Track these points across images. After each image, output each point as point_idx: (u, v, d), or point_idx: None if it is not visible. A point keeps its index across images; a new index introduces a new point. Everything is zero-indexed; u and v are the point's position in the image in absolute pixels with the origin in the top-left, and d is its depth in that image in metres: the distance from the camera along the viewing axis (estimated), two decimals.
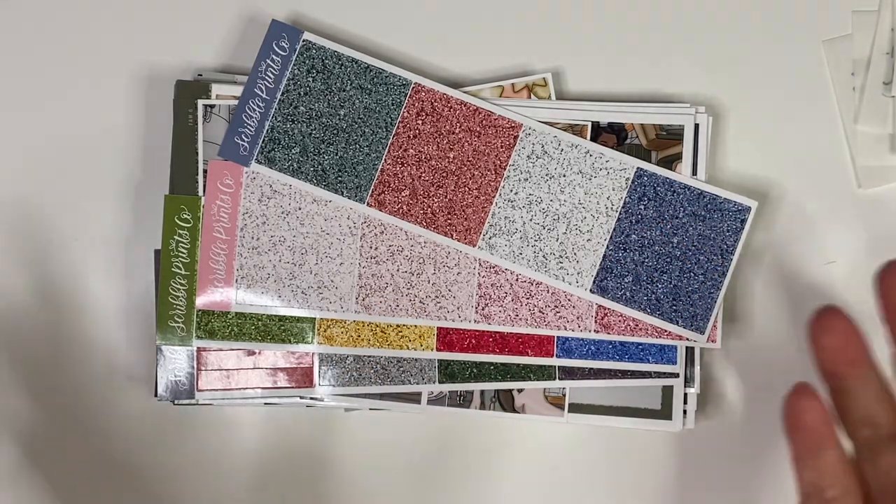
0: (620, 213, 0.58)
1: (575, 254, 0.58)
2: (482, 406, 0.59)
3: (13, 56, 0.61)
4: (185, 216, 0.58)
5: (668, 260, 0.57)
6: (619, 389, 0.58)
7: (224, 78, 0.60)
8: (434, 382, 0.59)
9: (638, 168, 0.58)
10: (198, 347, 0.58)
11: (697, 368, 0.58)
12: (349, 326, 0.58)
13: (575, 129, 0.58)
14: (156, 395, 0.59)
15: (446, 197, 0.58)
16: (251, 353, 0.59)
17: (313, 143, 0.58)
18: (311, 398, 0.59)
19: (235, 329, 0.58)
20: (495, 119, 0.58)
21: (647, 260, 0.57)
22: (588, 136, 0.58)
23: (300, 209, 0.58)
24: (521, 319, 0.58)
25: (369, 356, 0.59)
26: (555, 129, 0.58)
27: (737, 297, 0.60)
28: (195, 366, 0.59)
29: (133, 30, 0.61)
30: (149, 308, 0.60)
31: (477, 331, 0.58)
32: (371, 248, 0.58)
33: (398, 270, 0.58)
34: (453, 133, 0.58)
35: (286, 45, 0.58)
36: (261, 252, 0.58)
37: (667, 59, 0.60)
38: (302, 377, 0.59)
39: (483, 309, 0.58)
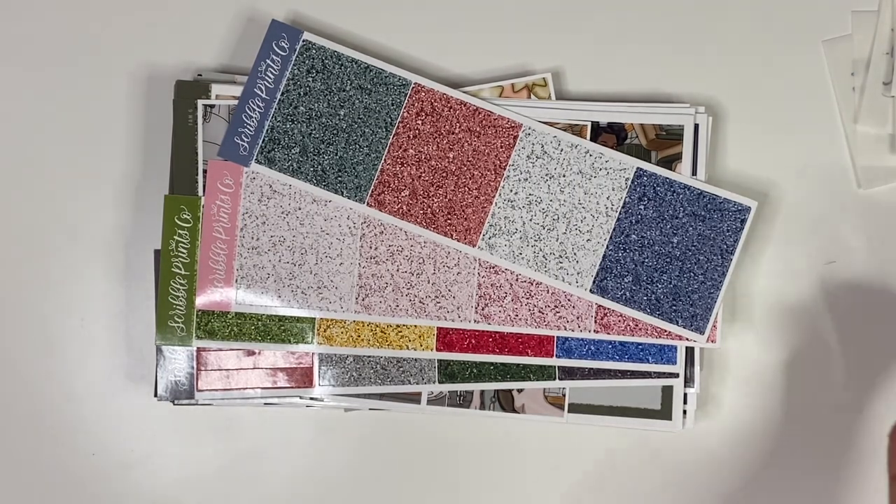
0: (620, 213, 0.58)
1: (575, 254, 0.58)
2: (482, 406, 0.59)
3: (13, 56, 0.61)
4: (185, 216, 0.58)
5: (668, 260, 0.57)
6: (619, 389, 0.58)
7: (224, 78, 0.60)
8: (434, 382, 0.59)
9: (638, 168, 0.58)
10: (198, 348, 0.58)
11: (697, 368, 0.58)
12: (349, 326, 0.58)
13: (575, 129, 0.58)
14: (156, 395, 0.59)
15: (446, 197, 0.58)
16: (251, 353, 0.59)
17: (313, 143, 0.58)
18: (311, 398, 0.59)
19: (235, 329, 0.58)
20: (495, 119, 0.58)
21: (646, 260, 0.57)
22: (588, 136, 0.58)
23: (300, 209, 0.58)
24: (521, 319, 0.58)
25: (369, 356, 0.59)
26: (555, 129, 0.58)
27: (737, 297, 0.60)
28: (195, 366, 0.59)
29: (133, 30, 0.61)
30: (149, 308, 0.60)
31: (477, 331, 0.58)
32: (371, 248, 0.58)
33: (398, 270, 0.58)
34: (453, 133, 0.58)
35: (286, 45, 0.58)
36: (261, 252, 0.58)
37: (667, 59, 0.60)
38: (302, 377, 0.59)
39: (483, 309, 0.58)
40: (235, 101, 0.58)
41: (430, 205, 0.58)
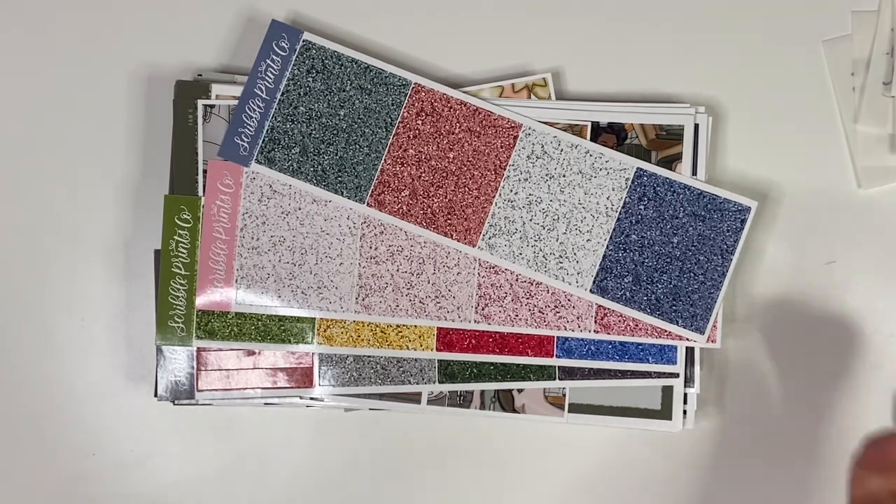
0: (620, 214, 0.58)
1: (575, 254, 0.58)
2: (482, 406, 0.59)
3: (13, 56, 0.61)
4: (185, 216, 0.58)
5: (668, 260, 0.57)
6: (619, 389, 0.58)
7: (224, 78, 0.60)
8: (434, 382, 0.59)
9: (638, 168, 0.58)
10: (198, 348, 0.58)
11: (697, 368, 0.58)
12: (349, 326, 0.58)
13: (575, 129, 0.58)
14: (156, 395, 0.59)
15: (446, 197, 0.58)
16: (251, 353, 0.59)
17: (313, 143, 0.58)
18: (311, 398, 0.59)
19: (235, 329, 0.58)
20: (495, 119, 0.58)
21: (646, 260, 0.57)
22: (588, 136, 0.58)
23: (300, 209, 0.58)
24: (521, 319, 0.58)
25: (369, 356, 0.59)
26: (555, 130, 0.58)
27: (737, 297, 0.60)
28: (195, 366, 0.59)
29: (133, 30, 0.61)
30: (149, 308, 0.60)
31: (477, 331, 0.58)
32: (371, 248, 0.58)
33: (398, 270, 0.58)
34: (453, 133, 0.58)
35: (286, 46, 0.58)
36: (261, 252, 0.58)
37: (667, 59, 0.60)
38: (302, 377, 0.59)
39: (483, 309, 0.58)
40: (235, 101, 0.58)
41: (430, 205, 0.58)
